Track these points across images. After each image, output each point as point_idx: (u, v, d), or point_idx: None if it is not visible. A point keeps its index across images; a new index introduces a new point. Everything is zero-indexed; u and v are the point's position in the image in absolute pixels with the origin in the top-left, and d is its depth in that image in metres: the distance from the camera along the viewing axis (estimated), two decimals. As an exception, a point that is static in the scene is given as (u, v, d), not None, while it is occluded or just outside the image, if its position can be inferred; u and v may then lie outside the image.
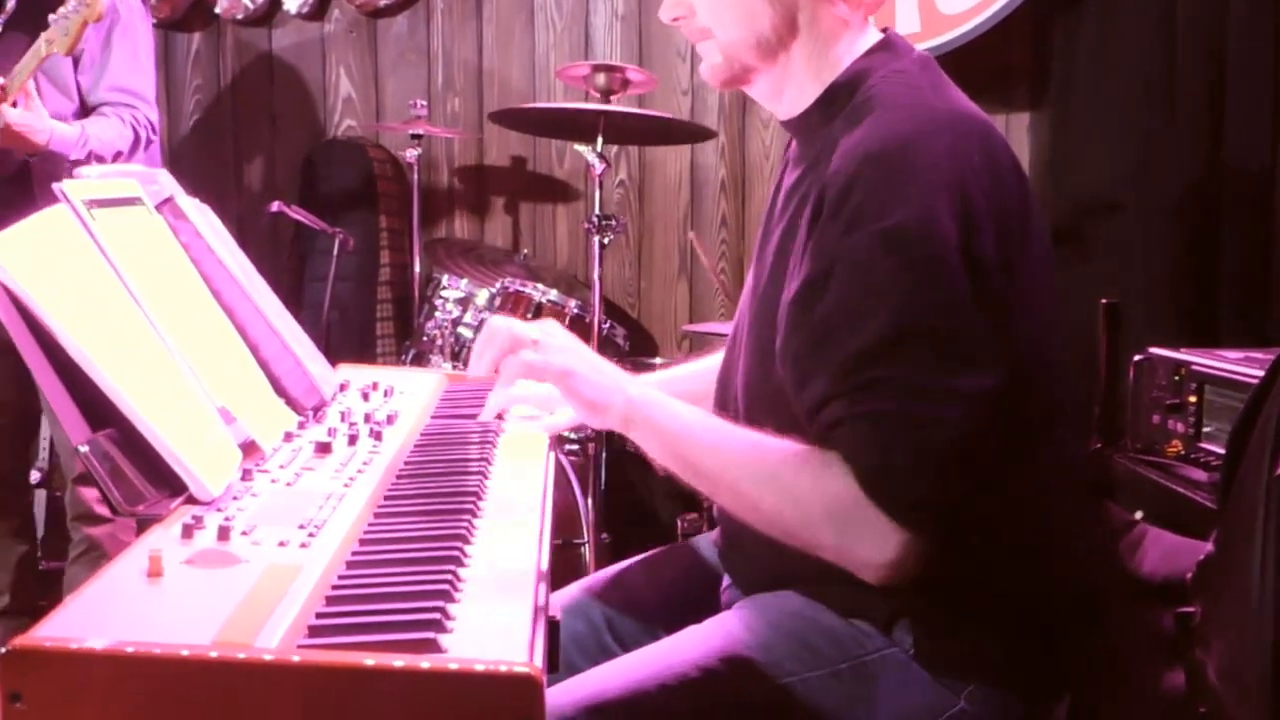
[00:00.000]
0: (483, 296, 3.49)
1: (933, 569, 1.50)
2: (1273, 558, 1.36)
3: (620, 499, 3.39)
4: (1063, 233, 3.73)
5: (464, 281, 3.52)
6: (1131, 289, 3.37)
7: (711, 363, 1.97)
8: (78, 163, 3.10)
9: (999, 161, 1.54)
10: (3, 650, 1.01)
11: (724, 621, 1.64)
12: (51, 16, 2.99)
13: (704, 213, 4.17)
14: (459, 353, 3.45)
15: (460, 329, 3.47)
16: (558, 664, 1.47)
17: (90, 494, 3.32)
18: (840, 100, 1.64)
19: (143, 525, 1.37)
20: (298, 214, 3.83)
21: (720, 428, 1.60)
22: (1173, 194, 3.33)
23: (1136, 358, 1.95)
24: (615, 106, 3.30)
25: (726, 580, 1.79)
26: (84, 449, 1.34)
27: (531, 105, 3.98)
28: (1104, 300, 2.09)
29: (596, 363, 1.66)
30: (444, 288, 3.54)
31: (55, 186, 1.56)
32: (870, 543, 1.45)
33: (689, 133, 3.60)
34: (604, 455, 3.32)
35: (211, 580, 1.19)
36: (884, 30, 1.70)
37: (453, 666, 1.02)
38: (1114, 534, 1.83)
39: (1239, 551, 1.43)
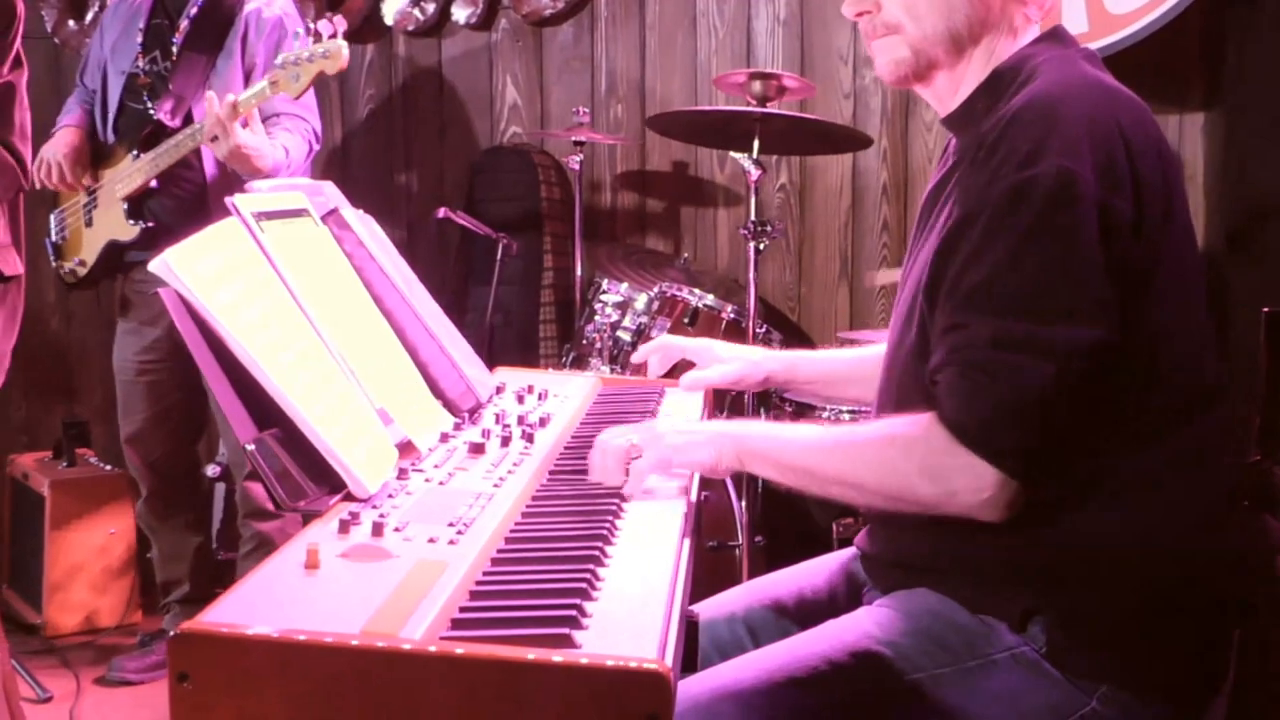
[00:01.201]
0: (641, 300, 3.54)
1: (1070, 563, 1.51)
2: None
3: (775, 502, 3.41)
4: (1236, 236, 3.64)
5: (624, 286, 3.58)
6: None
7: (837, 353, 2.16)
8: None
9: (1148, 135, 1.57)
10: (173, 634, 1.09)
11: (857, 618, 1.67)
12: (280, 58, 3.11)
13: (865, 218, 4.16)
14: (617, 355, 3.51)
15: (619, 332, 3.52)
16: (695, 663, 1.52)
17: (259, 491, 3.47)
18: (1004, 84, 1.67)
19: (307, 520, 1.45)
20: (463, 219, 3.94)
21: (818, 431, 1.67)
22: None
23: (1295, 367, 1.91)
24: (774, 110, 3.31)
25: (868, 585, 1.81)
26: (251, 447, 1.43)
27: (686, 109, 4.02)
28: (1266, 309, 2.04)
29: (690, 426, 1.75)
30: (604, 292, 3.60)
31: (228, 200, 1.66)
32: (966, 484, 1.50)
33: (846, 138, 3.59)
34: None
35: (364, 573, 1.25)
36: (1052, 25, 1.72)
37: (584, 661, 1.07)
38: (1271, 545, 1.79)
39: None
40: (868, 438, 1.61)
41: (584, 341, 3.59)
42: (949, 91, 1.75)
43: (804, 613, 1.88)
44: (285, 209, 1.81)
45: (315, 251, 1.83)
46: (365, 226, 2.06)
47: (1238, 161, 3.65)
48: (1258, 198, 3.54)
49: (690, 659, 1.51)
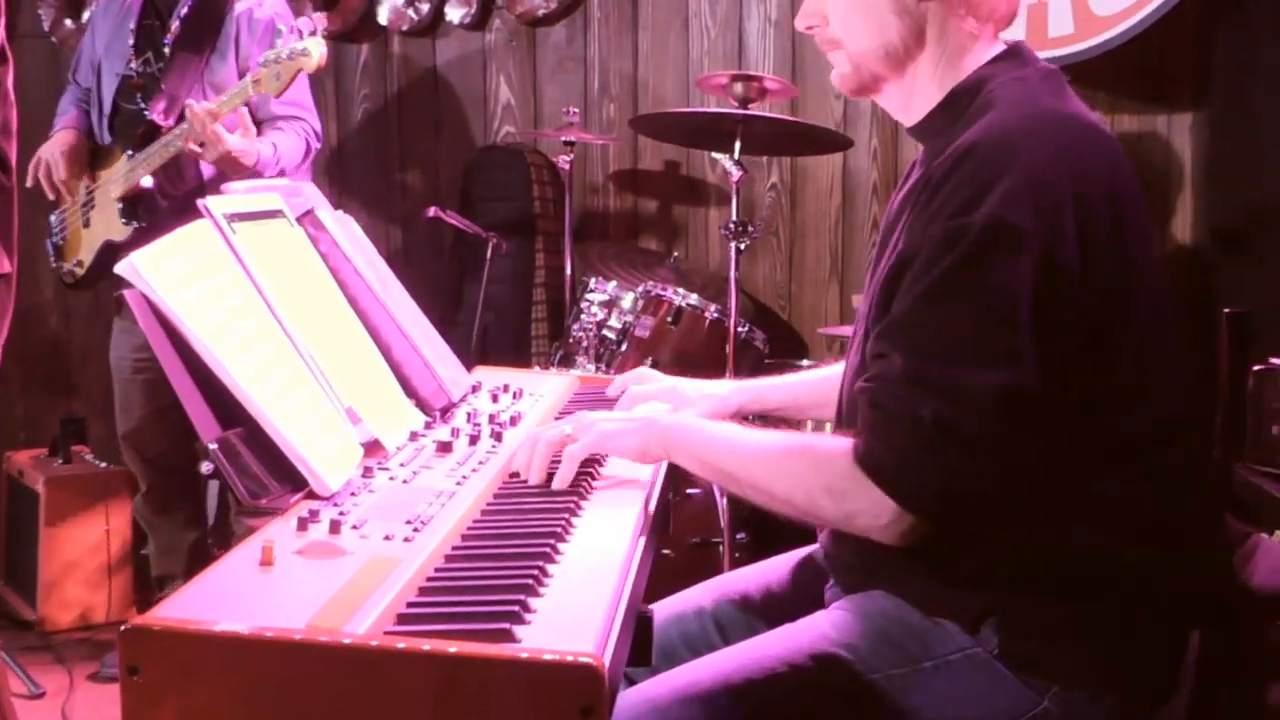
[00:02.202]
0: (628, 299, 3.57)
1: (1023, 569, 1.54)
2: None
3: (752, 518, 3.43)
4: (1226, 236, 3.66)
5: (611, 285, 3.61)
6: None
7: (803, 376, 2.18)
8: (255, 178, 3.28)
9: (1101, 175, 1.56)
10: (123, 628, 1.12)
11: (816, 620, 1.70)
12: (262, 57, 3.14)
13: (855, 216, 4.19)
14: (603, 354, 3.54)
15: (605, 331, 3.56)
16: (650, 657, 1.55)
17: None
18: (961, 104, 1.69)
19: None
20: (452, 219, 3.97)
21: (742, 435, 1.71)
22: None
23: (1257, 368, 1.93)
24: (754, 112, 3.34)
25: (830, 580, 1.84)
26: (213, 446, 1.46)
27: (668, 111, 4.05)
28: (1227, 310, 2.06)
29: (623, 415, 1.80)
30: (591, 290, 3.63)
31: (199, 202, 1.69)
32: (864, 509, 1.54)
33: (828, 141, 3.62)
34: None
35: (317, 569, 1.28)
36: (1013, 42, 1.73)
37: (522, 655, 1.10)
38: (1229, 545, 1.81)
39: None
40: (785, 448, 1.63)
41: (571, 340, 3.62)
42: (902, 102, 1.77)
43: (770, 607, 1.92)
44: (259, 210, 1.83)
45: (288, 252, 1.86)
46: (342, 227, 2.09)
47: (1226, 161, 3.66)
48: (1247, 197, 3.55)
49: (644, 655, 1.53)
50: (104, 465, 4.20)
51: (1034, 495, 1.56)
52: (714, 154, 3.27)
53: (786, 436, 1.66)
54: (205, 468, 4.00)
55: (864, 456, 1.53)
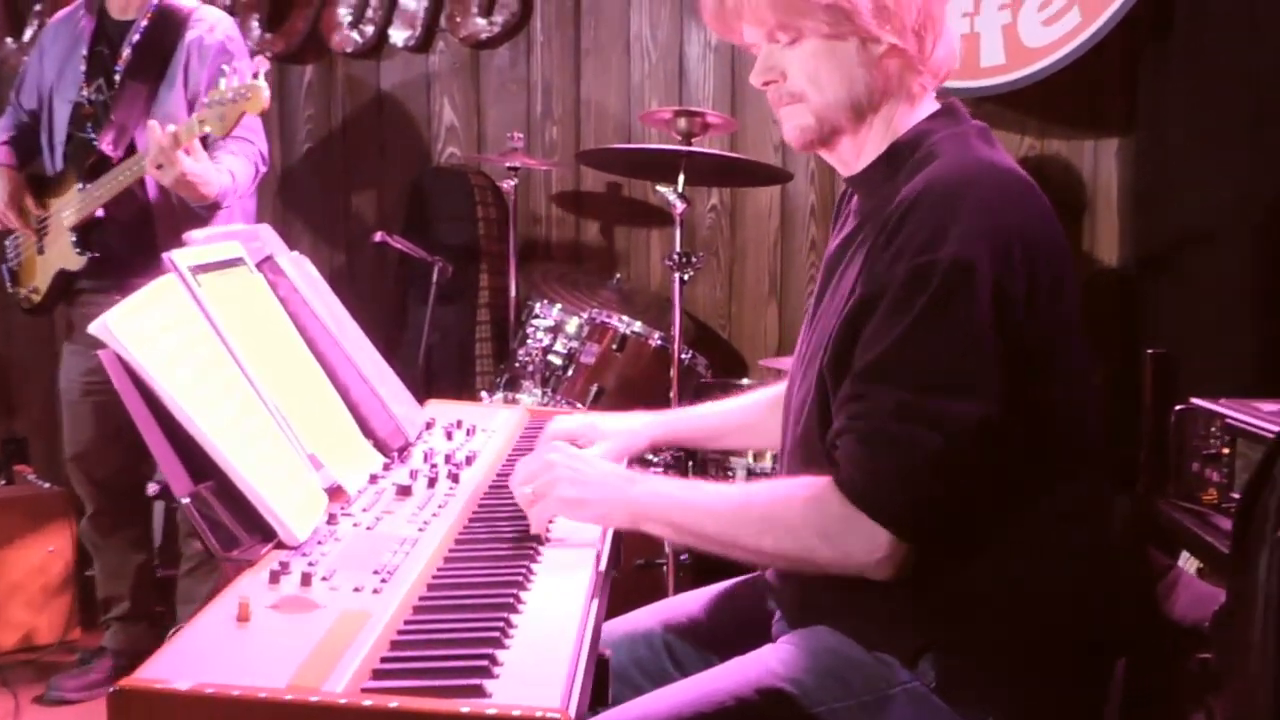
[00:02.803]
0: (573, 325, 3.64)
1: (957, 604, 1.63)
2: (1274, 622, 1.45)
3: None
4: (1150, 259, 3.78)
5: (556, 309, 3.67)
6: (1226, 317, 3.42)
7: (713, 407, 2.26)
8: (208, 208, 3.31)
9: (1041, 217, 1.69)
10: (112, 689, 1.17)
11: (763, 655, 1.77)
12: (205, 98, 3.14)
13: (794, 238, 4.28)
14: (549, 379, 3.60)
15: (550, 356, 3.62)
16: (607, 698, 1.62)
17: None
18: (903, 156, 1.78)
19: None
20: (399, 244, 4.02)
21: (714, 495, 1.75)
22: (1260, 229, 3.37)
23: (1179, 407, 2.04)
24: (698, 149, 3.43)
25: (778, 614, 1.92)
26: (186, 500, 1.51)
27: (615, 146, 4.13)
28: (1150, 350, 2.17)
29: (595, 478, 1.77)
30: (536, 315, 3.69)
31: (165, 256, 1.74)
32: (860, 546, 1.61)
33: (770, 175, 3.73)
34: (688, 474, 3.43)
35: (292, 624, 1.34)
36: (946, 100, 1.83)
37: (490, 711, 1.17)
38: (1150, 577, 1.92)
39: (1245, 608, 1.52)
40: (767, 500, 1.69)
41: (517, 364, 3.68)
42: (852, 156, 1.85)
43: (718, 632, 2.00)
44: (221, 260, 1.89)
45: (250, 301, 1.92)
46: (299, 269, 2.14)
47: (1152, 186, 3.79)
48: (1171, 221, 3.68)
49: (601, 696, 1.60)
50: (46, 486, 4.20)
51: (968, 527, 1.66)
52: (659, 187, 3.35)
53: (759, 489, 1.71)
54: (151, 489, 4.03)
55: (860, 492, 1.60)
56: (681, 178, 3.29)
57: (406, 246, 4.03)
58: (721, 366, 4.06)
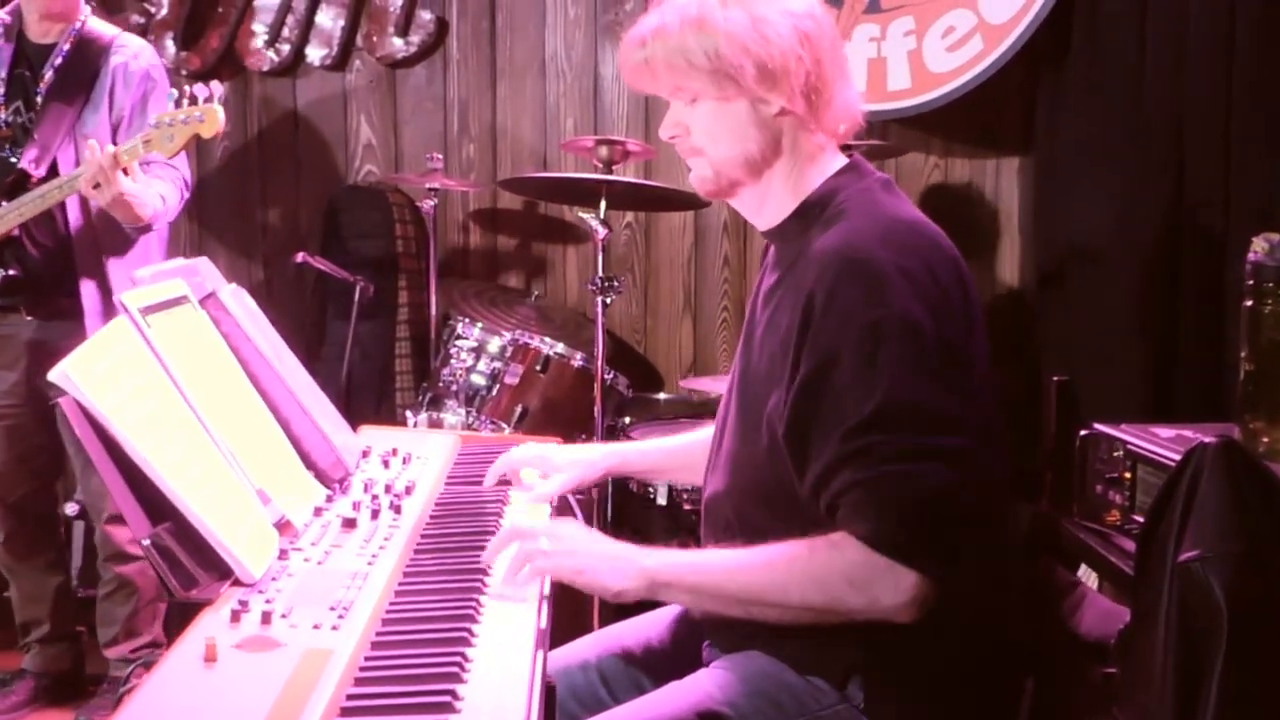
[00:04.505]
0: (495, 345, 3.70)
1: (879, 628, 1.73)
2: (1174, 641, 1.57)
3: (624, 536, 3.58)
4: (1046, 276, 3.94)
5: (478, 328, 3.72)
6: (1115, 337, 3.58)
7: (663, 442, 2.34)
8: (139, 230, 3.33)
9: (947, 258, 1.81)
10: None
11: (699, 680, 1.86)
12: (154, 118, 3.17)
13: (707, 253, 4.39)
14: (473, 399, 3.66)
15: (474, 376, 3.68)
16: (553, 725, 1.70)
17: (120, 534, 3.54)
18: (814, 213, 1.89)
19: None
20: (320, 264, 4.05)
21: (729, 556, 1.78)
22: (1141, 248, 3.53)
23: (1083, 432, 2.16)
24: (618, 177, 3.51)
25: (709, 641, 2.01)
26: (146, 542, 1.57)
27: (536, 175, 4.23)
28: (1056, 378, 2.30)
29: (606, 550, 1.83)
30: (459, 336, 3.74)
31: (117, 299, 1.79)
32: (889, 590, 1.69)
33: (686, 201, 3.84)
34: (610, 494, 3.51)
35: (257, 665, 1.41)
36: (850, 155, 1.93)
37: (457, 749, 1.24)
38: (1057, 595, 2.04)
39: (1147, 627, 1.64)
40: (787, 556, 1.73)
41: (440, 384, 3.73)
42: (756, 206, 1.95)
43: (651, 661, 2.08)
44: (167, 299, 1.93)
45: (196, 339, 1.97)
46: (239, 302, 2.18)
47: (1044, 205, 3.95)
48: (1062, 240, 3.84)
49: (550, 720, 1.69)
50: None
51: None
52: (581, 213, 3.43)
53: (773, 548, 1.74)
54: (71, 509, 4.01)
55: (881, 539, 1.67)
56: (604, 204, 3.37)
57: (329, 267, 4.06)
58: (639, 382, 4.14)
